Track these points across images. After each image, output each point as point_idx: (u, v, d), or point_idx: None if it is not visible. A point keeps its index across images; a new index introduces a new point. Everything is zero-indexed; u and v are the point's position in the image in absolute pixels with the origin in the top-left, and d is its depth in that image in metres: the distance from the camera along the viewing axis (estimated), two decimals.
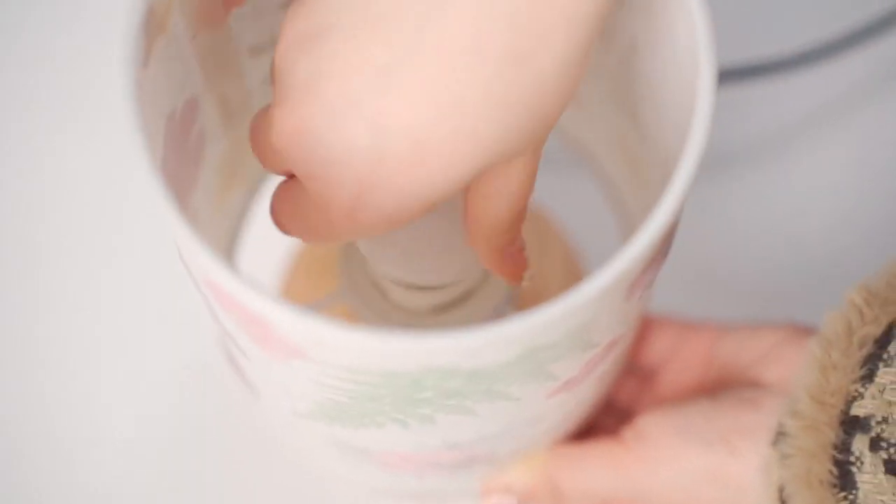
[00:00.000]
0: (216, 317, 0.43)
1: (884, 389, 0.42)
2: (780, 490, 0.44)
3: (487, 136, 0.37)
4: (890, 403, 0.42)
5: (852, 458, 0.42)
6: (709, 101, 0.39)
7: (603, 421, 0.53)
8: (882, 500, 0.42)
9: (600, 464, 0.49)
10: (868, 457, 0.42)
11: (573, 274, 0.58)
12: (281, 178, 0.43)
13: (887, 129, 0.64)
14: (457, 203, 0.47)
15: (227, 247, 0.54)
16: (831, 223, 0.62)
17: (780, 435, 0.45)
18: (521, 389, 0.42)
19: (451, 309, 0.51)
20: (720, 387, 0.49)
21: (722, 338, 0.51)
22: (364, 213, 0.38)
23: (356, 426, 0.44)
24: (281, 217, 0.42)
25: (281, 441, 0.58)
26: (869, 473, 0.42)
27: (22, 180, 0.64)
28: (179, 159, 0.45)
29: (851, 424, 0.43)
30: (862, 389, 0.43)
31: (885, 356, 0.43)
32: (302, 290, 0.58)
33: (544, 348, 0.39)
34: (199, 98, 0.46)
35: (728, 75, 0.60)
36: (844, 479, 0.43)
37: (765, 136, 0.64)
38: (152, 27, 0.41)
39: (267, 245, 0.52)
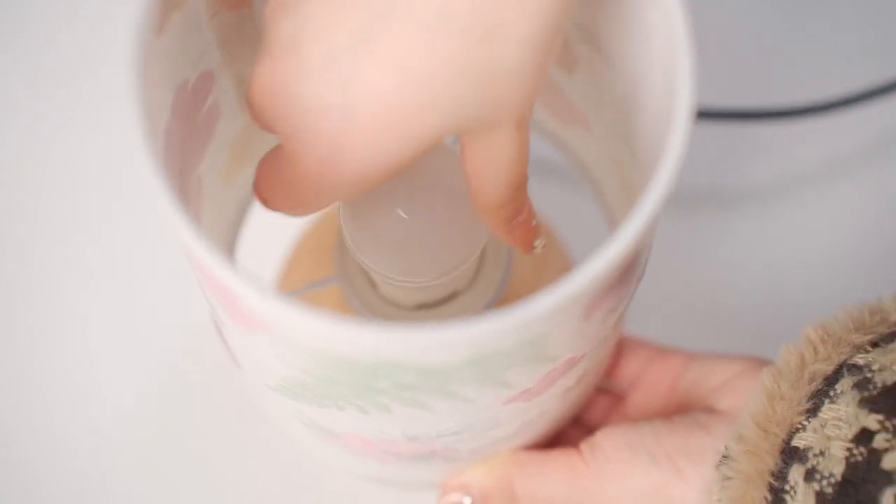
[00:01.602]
0: (197, 281, 0.44)
1: (825, 424, 0.43)
2: None
3: (451, 106, 0.38)
4: (829, 438, 0.43)
5: (787, 487, 0.43)
6: (681, 137, 0.39)
7: (571, 434, 0.54)
8: None
9: (556, 472, 0.49)
10: (801, 486, 0.43)
11: None
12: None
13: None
14: (440, 204, 0.48)
15: (232, 222, 0.54)
16: (831, 268, 0.62)
17: (724, 458, 0.45)
18: (475, 392, 0.42)
19: (437, 307, 0.52)
20: (681, 411, 0.49)
21: (688, 365, 0.51)
22: (332, 173, 0.39)
23: (319, 406, 0.44)
24: (263, 184, 0.44)
25: (261, 413, 0.59)
26: (800, 503, 0.43)
27: (20, 149, 0.64)
28: (187, 129, 0.46)
29: (790, 454, 0.43)
30: (805, 422, 0.44)
31: (831, 393, 0.44)
32: (304, 270, 0.58)
33: (494, 356, 0.39)
34: (215, 73, 0.47)
35: (747, 116, 0.61)
36: None
37: (777, 177, 0.64)
38: (168, 2, 0.42)
39: (274, 225, 0.53)
